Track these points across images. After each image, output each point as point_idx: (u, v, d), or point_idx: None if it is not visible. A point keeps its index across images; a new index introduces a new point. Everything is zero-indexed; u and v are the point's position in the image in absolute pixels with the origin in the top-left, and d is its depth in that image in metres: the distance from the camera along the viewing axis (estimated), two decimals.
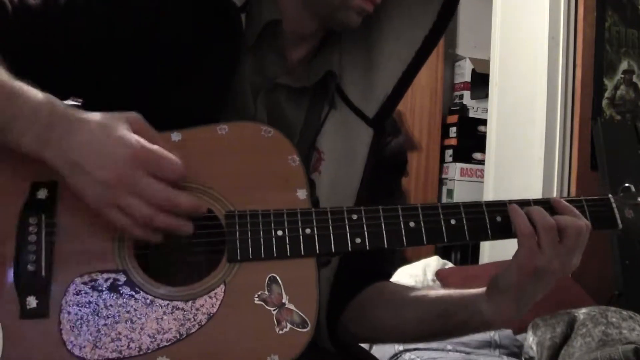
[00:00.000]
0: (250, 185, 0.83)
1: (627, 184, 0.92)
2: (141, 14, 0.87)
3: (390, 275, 1.08)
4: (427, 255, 2.96)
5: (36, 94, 0.76)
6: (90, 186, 0.74)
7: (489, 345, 2.09)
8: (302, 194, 0.84)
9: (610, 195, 0.91)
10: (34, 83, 0.78)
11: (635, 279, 2.35)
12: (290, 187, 0.84)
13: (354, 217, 0.83)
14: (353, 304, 1.00)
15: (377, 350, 1.90)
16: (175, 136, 0.83)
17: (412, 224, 0.84)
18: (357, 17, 0.92)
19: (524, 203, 0.87)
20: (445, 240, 0.85)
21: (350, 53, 1.00)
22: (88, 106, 0.91)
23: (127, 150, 0.74)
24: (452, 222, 0.85)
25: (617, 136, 2.56)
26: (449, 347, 2.05)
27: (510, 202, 0.87)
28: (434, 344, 2.06)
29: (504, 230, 0.86)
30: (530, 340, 2.03)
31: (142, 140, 0.75)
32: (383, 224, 0.83)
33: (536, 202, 0.88)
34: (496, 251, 2.91)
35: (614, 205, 0.89)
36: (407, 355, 2.03)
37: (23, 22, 0.84)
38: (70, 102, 0.92)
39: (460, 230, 0.85)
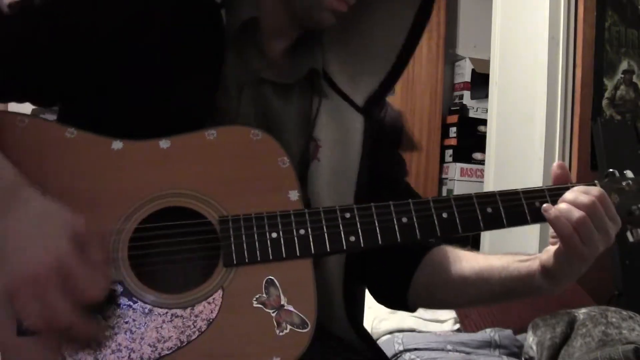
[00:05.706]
0: (241, 189, 0.82)
1: (610, 170, 0.92)
2: (121, 15, 0.87)
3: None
4: None
5: None
6: (3, 273, 0.69)
7: (489, 345, 2.09)
8: (293, 195, 0.83)
9: (596, 181, 0.91)
10: (14, 89, 0.77)
11: (635, 279, 2.35)
12: (281, 189, 0.83)
13: (347, 215, 0.83)
14: (414, 283, 1.00)
15: None
16: (164, 143, 0.82)
17: (404, 220, 0.84)
18: (330, 17, 0.93)
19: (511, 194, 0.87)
20: (439, 233, 0.85)
21: (336, 42, 1.01)
22: (65, 113, 0.91)
23: (50, 259, 0.68)
24: (444, 215, 0.85)
25: (617, 136, 2.56)
26: (449, 347, 2.05)
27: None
28: (433, 344, 2.06)
29: (495, 221, 0.86)
30: (530, 340, 2.03)
31: (70, 255, 0.69)
32: (376, 221, 0.83)
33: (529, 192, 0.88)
34: (496, 248, 2.91)
35: None
36: (407, 355, 2.03)
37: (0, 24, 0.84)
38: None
39: (453, 224, 0.85)
